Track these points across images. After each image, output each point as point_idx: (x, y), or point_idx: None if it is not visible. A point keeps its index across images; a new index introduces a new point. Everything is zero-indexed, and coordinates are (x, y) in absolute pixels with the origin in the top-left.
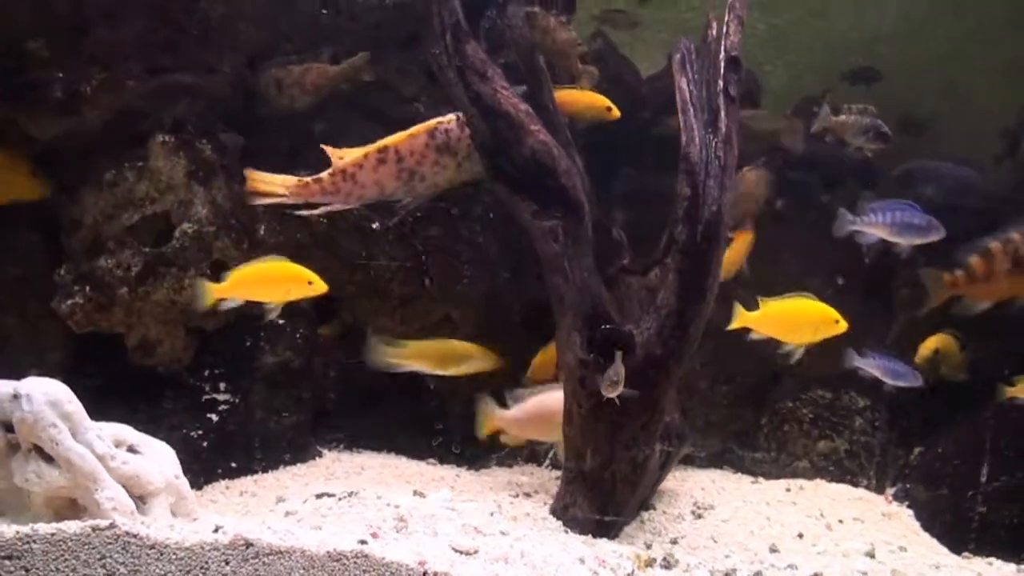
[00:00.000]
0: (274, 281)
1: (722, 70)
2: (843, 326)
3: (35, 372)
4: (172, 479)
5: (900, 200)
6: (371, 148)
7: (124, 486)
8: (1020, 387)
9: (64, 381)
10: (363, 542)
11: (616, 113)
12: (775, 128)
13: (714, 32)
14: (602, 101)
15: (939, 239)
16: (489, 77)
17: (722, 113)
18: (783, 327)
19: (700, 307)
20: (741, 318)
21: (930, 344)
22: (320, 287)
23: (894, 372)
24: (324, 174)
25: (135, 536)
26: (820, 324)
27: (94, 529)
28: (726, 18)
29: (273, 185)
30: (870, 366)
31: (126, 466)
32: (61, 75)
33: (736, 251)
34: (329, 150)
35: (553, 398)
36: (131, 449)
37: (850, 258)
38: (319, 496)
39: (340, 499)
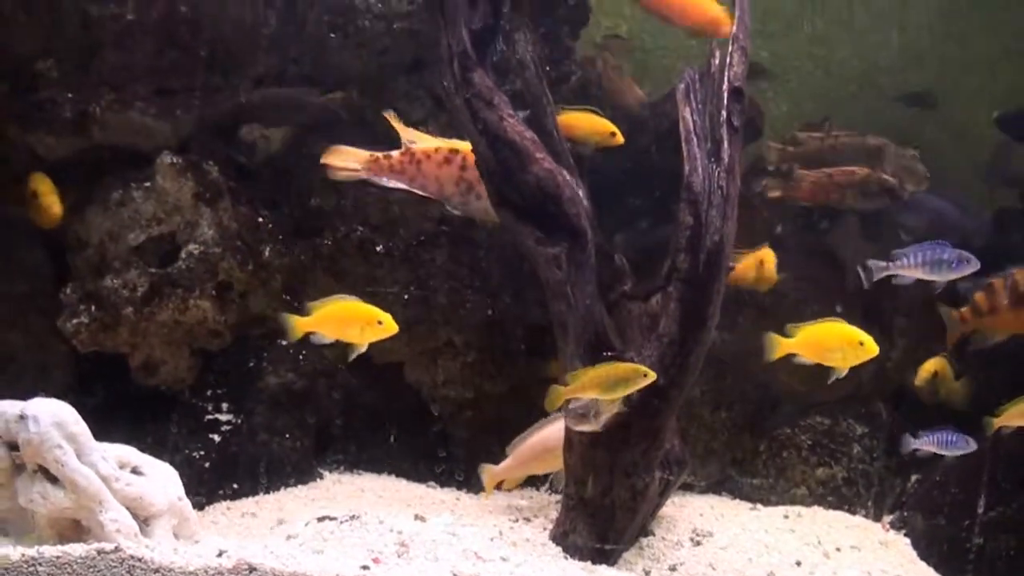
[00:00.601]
0: (351, 321)
1: (725, 100)
2: (870, 349)
3: (40, 390)
4: (175, 501)
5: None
6: (445, 144)
7: (128, 508)
8: (1006, 415)
9: (68, 400)
10: (365, 567)
11: (620, 139)
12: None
13: (717, 62)
14: (606, 126)
15: (974, 271)
16: (495, 105)
17: (725, 143)
18: (818, 351)
19: (701, 336)
20: (781, 347)
21: (929, 367)
22: (390, 328)
23: (949, 443)
24: (395, 152)
25: (140, 560)
26: (847, 348)
27: (99, 552)
28: (729, 48)
29: (349, 159)
30: (927, 444)
31: (130, 488)
32: (71, 96)
33: (764, 263)
34: (399, 126)
35: (546, 434)
36: (135, 470)
37: (848, 284)
38: (321, 519)
39: (342, 522)
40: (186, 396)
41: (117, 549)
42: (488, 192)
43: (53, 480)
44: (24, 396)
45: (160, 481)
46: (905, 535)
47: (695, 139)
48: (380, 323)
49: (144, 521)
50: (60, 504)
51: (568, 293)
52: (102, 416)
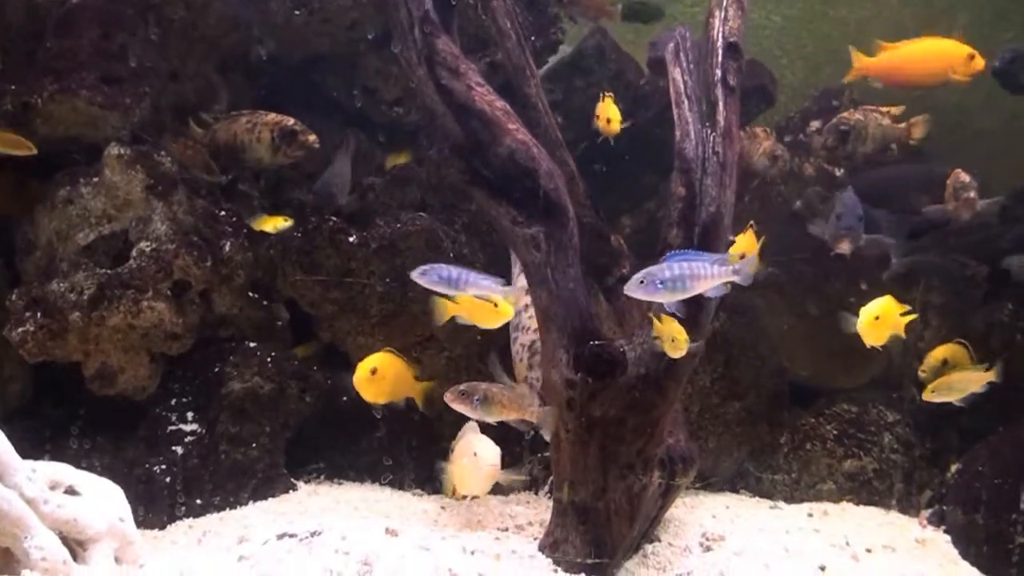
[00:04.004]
0: (484, 307)
1: (720, 57)
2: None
3: None
4: (116, 523)
5: None
6: None
7: (60, 532)
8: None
9: (24, 413)
10: None
11: (615, 127)
12: None
13: (714, 20)
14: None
15: None
16: (462, 73)
17: (720, 105)
18: None
19: (699, 318)
20: None
21: (938, 354)
22: (505, 312)
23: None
24: None
25: None
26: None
27: None
28: (724, 2)
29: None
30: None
31: (61, 510)
32: (12, 87)
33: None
34: None
35: (468, 440)
36: (70, 490)
37: (872, 262)
38: (280, 537)
39: (302, 540)
40: (147, 405)
41: None
42: (457, 168)
43: None
44: None
45: (99, 501)
46: (945, 532)
47: (687, 101)
48: (495, 307)
49: (81, 545)
50: None
51: (549, 277)
52: (59, 431)
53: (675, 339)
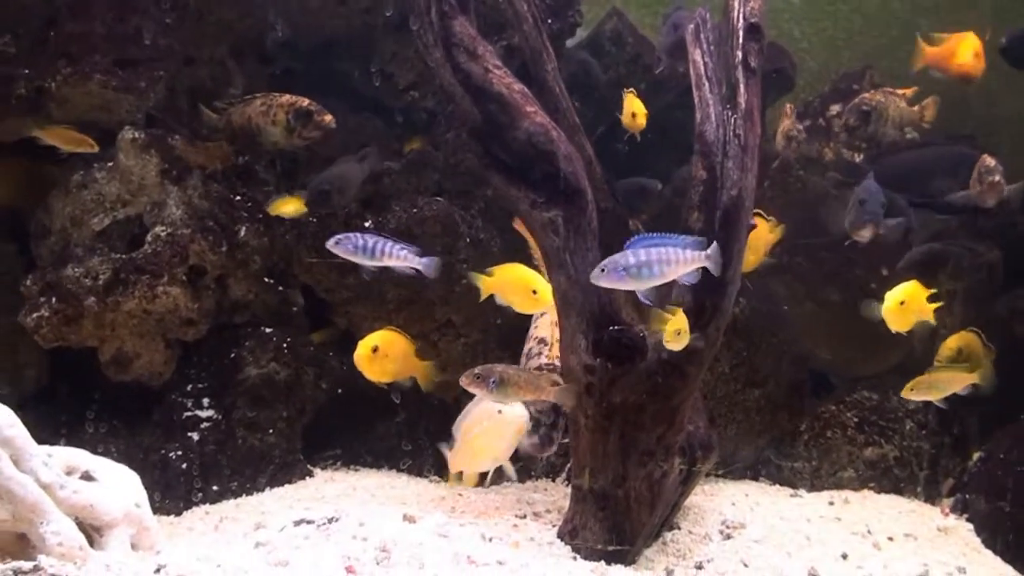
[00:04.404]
0: (515, 288)
1: (741, 39)
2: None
3: (7, 391)
4: (132, 508)
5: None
6: None
7: (77, 517)
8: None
9: (39, 399)
10: None
11: (640, 122)
12: None
13: (734, 1)
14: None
15: None
16: (479, 55)
17: (741, 87)
18: None
19: (720, 303)
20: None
21: (952, 343)
22: (543, 299)
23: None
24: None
25: None
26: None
27: (16, 572)
28: None
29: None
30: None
31: (77, 495)
32: (27, 72)
33: (760, 239)
34: None
35: (472, 413)
36: (86, 476)
37: (894, 247)
38: (297, 523)
39: (319, 526)
40: (162, 391)
41: (37, 568)
42: (475, 153)
43: None
44: None
45: (116, 487)
46: (967, 520)
47: (707, 83)
48: (535, 292)
49: (97, 531)
50: None
51: (567, 261)
52: (74, 416)
53: (680, 332)
